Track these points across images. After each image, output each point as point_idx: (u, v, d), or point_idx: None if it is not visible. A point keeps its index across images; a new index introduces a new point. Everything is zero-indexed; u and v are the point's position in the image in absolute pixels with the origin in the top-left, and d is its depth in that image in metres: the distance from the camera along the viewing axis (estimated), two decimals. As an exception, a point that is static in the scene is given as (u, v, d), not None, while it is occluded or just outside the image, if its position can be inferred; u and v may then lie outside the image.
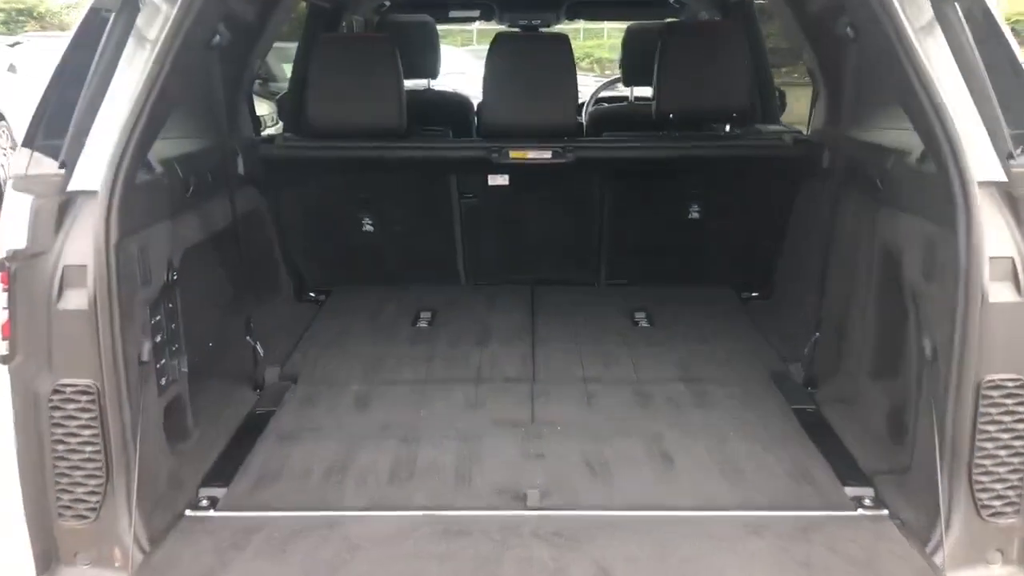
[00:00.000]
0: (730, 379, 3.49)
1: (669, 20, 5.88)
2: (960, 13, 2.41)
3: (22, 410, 2.31)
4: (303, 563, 2.36)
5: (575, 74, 4.03)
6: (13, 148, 11.08)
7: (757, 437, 3.02)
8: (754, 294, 4.43)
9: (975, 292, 2.28)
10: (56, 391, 2.31)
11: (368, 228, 4.37)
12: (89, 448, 2.35)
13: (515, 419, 3.16)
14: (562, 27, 6.02)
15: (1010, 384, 2.28)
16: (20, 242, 2.28)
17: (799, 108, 4.87)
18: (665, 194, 4.33)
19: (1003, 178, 2.29)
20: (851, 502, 2.64)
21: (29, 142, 2.32)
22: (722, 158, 4.13)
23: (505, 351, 3.76)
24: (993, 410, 2.29)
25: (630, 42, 5.58)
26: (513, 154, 4.00)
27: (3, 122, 11.94)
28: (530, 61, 4.04)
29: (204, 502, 2.67)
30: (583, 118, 5.48)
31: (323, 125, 4.03)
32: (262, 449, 2.98)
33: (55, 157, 2.32)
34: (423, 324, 4.12)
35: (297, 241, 4.37)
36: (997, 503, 2.32)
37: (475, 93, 6.14)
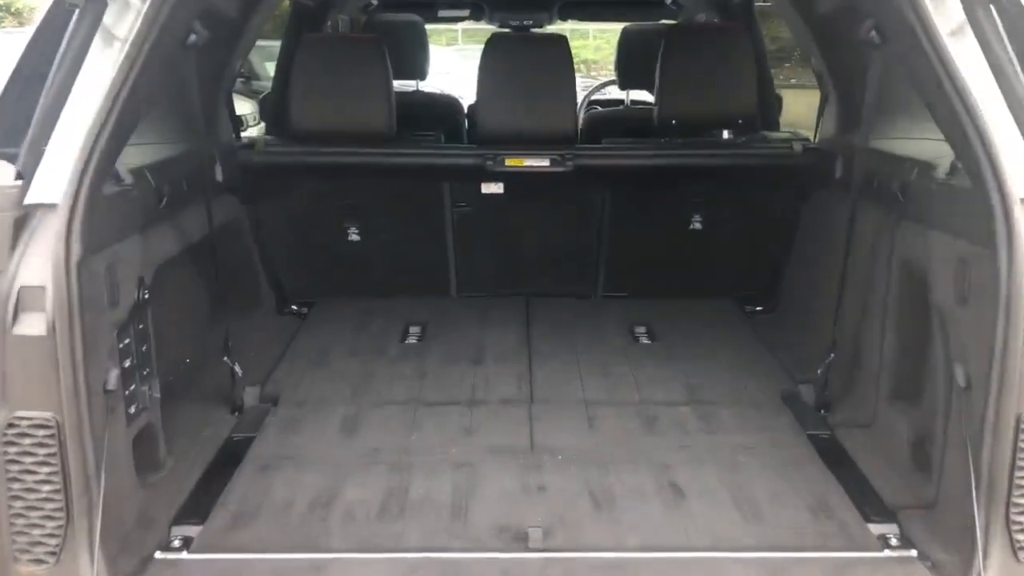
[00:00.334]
0: (738, 400, 3.30)
1: (670, 22, 5.73)
2: (996, 15, 2.24)
3: None
4: None
5: (574, 77, 3.83)
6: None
7: (771, 466, 2.83)
8: (758, 308, 4.25)
9: (1016, 319, 2.10)
10: (11, 424, 2.10)
11: (354, 237, 4.16)
12: (48, 487, 2.14)
13: (513, 446, 2.96)
14: (550, 28, 5.84)
15: None
16: (-30, 261, 2.07)
17: (789, 113, 4.71)
18: (666, 203, 4.15)
19: (1048, 195, 2.11)
20: (877, 541, 2.46)
21: (-19, 149, 2.11)
22: (728, 167, 3.94)
23: (500, 369, 3.55)
24: None
25: (626, 44, 5.39)
26: (509, 162, 3.80)
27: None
28: (527, 63, 3.84)
29: (176, 542, 2.45)
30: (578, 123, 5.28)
31: (307, 129, 3.81)
32: (240, 481, 2.76)
33: (11, 166, 2.10)
34: (412, 339, 3.91)
35: (278, 251, 4.15)
36: None
37: (462, 94, 5.97)
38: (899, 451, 2.81)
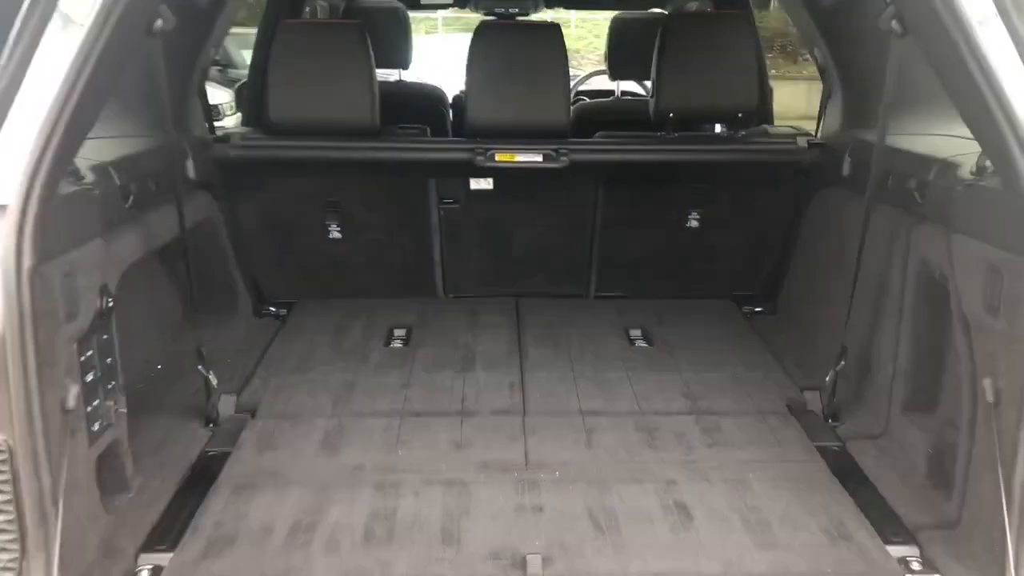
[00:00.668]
0: (743, 410, 3.14)
1: (659, 11, 5.55)
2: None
3: None
4: None
5: (567, 68, 3.64)
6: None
7: (781, 482, 2.67)
8: (757, 309, 4.09)
9: None
10: None
11: (335, 235, 3.95)
12: (0, 517, 1.93)
13: (506, 462, 2.77)
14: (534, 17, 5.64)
15: None
16: (-91, 271, 1.86)
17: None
18: (662, 200, 3.97)
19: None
20: (897, 566, 2.30)
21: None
22: (729, 162, 3.77)
23: (491, 377, 3.36)
24: None
25: (617, 33, 5.20)
26: (500, 157, 3.61)
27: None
28: (518, 52, 3.64)
29: (144, 573, 2.25)
30: None
31: (286, 122, 3.60)
32: (215, 502, 2.56)
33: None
34: (397, 343, 3.71)
35: (255, 250, 3.93)
36: None
37: (443, 84, 5.76)
38: (915, 465, 2.66)
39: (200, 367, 2.98)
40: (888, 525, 2.47)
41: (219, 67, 15.19)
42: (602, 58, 5.91)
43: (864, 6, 3.04)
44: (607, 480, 2.66)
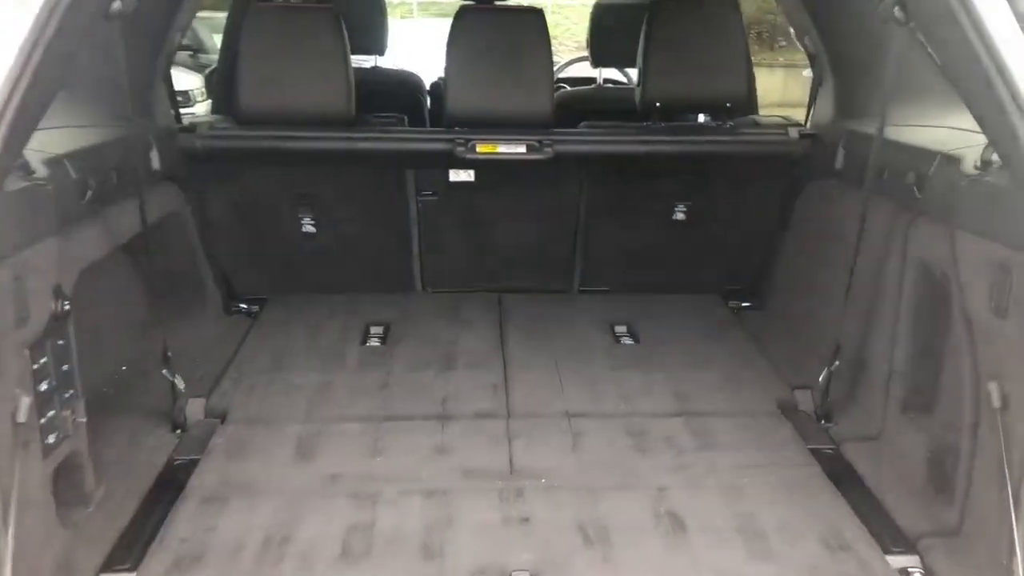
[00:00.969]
0: (733, 410, 3.04)
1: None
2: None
3: None
4: None
5: (551, 56, 3.50)
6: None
7: (775, 488, 2.57)
8: (744, 304, 3.99)
9: None
10: None
11: (309, 229, 3.79)
12: None
13: (490, 468, 2.65)
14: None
15: None
16: None
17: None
18: (648, 192, 3.85)
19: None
20: None
21: None
22: (718, 153, 3.65)
23: (473, 377, 3.24)
24: None
25: (599, 19, 5.05)
26: (482, 148, 3.46)
27: None
28: (500, 38, 3.50)
29: None
30: None
31: (256, 110, 3.43)
32: (181, 515, 2.42)
33: None
34: (374, 341, 3.56)
35: (226, 245, 3.77)
36: None
37: (420, 70, 5.59)
38: (913, 469, 2.57)
39: (165, 371, 2.83)
40: (887, 533, 2.38)
41: (190, 52, 14.89)
42: (581, 44, 5.76)
43: None
44: (595, 488, 2.55)
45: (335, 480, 2.59)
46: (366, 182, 3.76)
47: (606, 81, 6.03)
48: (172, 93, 3.59)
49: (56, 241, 2.20)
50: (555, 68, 6.43)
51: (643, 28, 3.58)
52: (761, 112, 4.71)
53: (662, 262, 4.02)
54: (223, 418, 2.96)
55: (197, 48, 13.36)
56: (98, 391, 2.75)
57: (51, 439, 2.15)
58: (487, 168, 3.66)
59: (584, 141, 3.63)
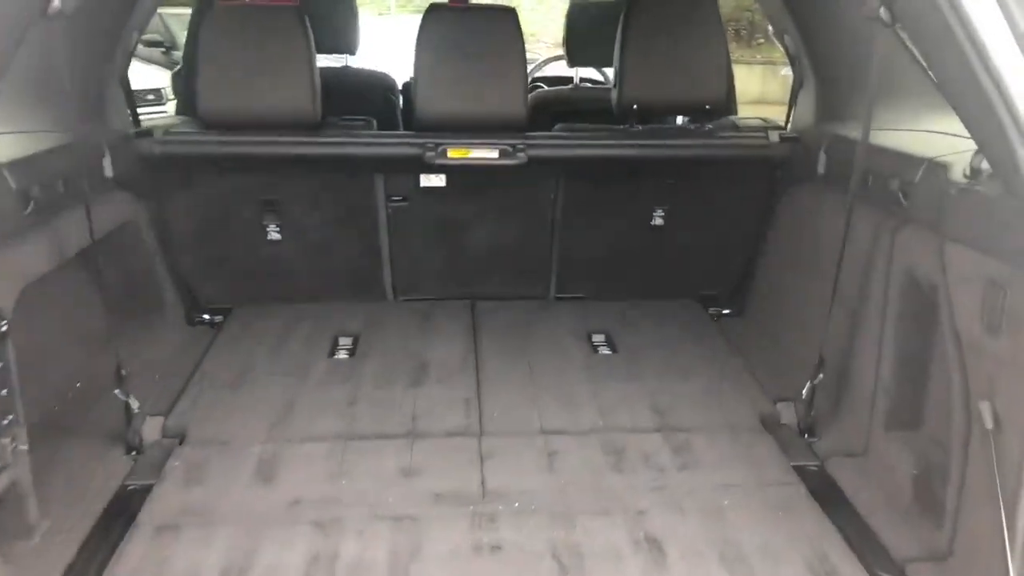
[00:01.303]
0: (713, 425, 2.93)
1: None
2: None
3: None
4: None
5: (524, 56, 3.38)
6: None
7: (758, 509, 2.47)
8: (724, 311, 3.89)
9: None
10: None
11: (274, 236, 3.65)
12: None
13: (461, 491, 2.53)
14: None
15: None
16: None
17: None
18: (626, 197, 3.73)
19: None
20: None
21: None
22: (697, 157, 3.54)
23: (444, 392, 3.11)
24: None
25: (575, 18, 4.93)
26: (452, 153, 3.34)
27: None
28: (471, 39, 3.36)
29: None
30: None
31: (217, 114, 3.28)
32: (133, 545, 2.28)
33: None
34: (342, 354, 3.43)
35: (187, 254, 3.61)
36: None
37: (396, 68, 5.44)
38: (900, 488, 2.48)
39: (118, 391, 2.68)
40: (874, 557, 2.28)
41: (163, 48, 14.65)
42: (560, 41, 5.65)
43: None
44: (571, 511, 2.44)
45: (297, 505, 2.46)
46: (333, 187, 3.62)
47: (583, 80, 5.93)
48: (130, 95, 3.42)
49: None
50: (532, 67, 6.35)
51: (619, 28, 3.47)
52: (739, 109, 4.62)
53: (640, 268, 3.91)
54: (181, 438, 2.82)
55: (170, 45, 13.14)
56: (47, 414, 2.60)
57: None
58: (459, 172, 3.53)
59: (559, 145, 3.51)
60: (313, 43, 3.29)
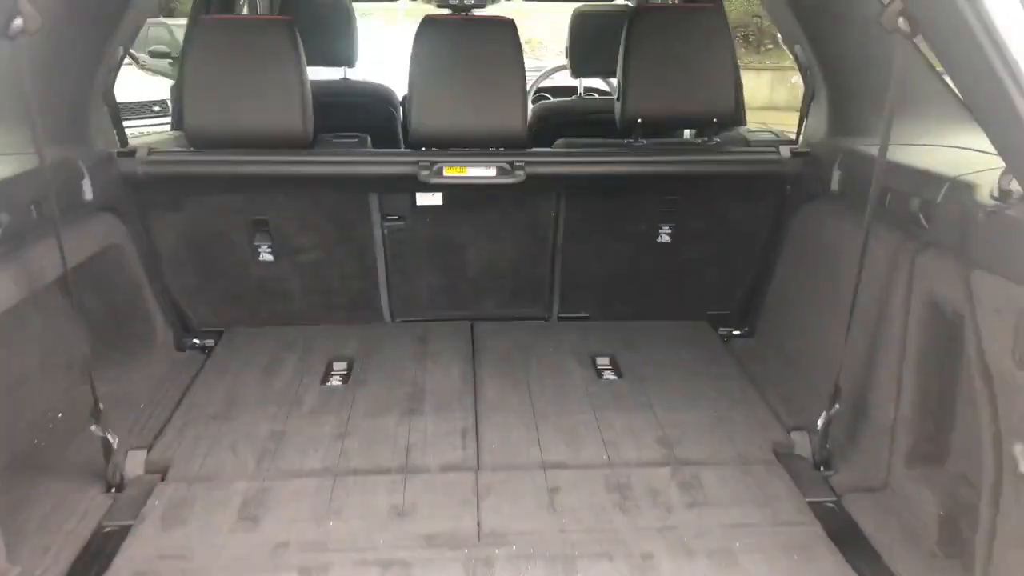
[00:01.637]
0: (724, 458, 2.78)
1: (623, 3, 5.18)
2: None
3: None
4: None
5: (523, 69, 3.24)
6: None
7: (772, 551, 2.32)
8: (735, 332, 3.74)
9: None
10: None
11: (267, 257, 3.52)
12: None
13: (455, 534, 2.38)
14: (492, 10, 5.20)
15: None
16: None
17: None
18: (631, 213, 3.59)
19: None
20: None
21: None
22: (705, 174, 3.39)
23: (441, 423, 2.97)
24: None
25: (579, 27, 4.80)
26: (448, 171, 3.20)
27: None
28: (467, 52, 3.23)
29: None
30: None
31: (203, 133, 3.16)
32: None
33: None
34: (336, 380, 3.29)
35: (177, 278, 3.49)
36: None
37: (399, 82, 5.32)
38: (924, 528, 2.32)
39: (94, 427, 2.54)
40: None
41: (170, 59, 14.61)
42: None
43: (866, 3, 2.67)
44: (573, 555, 2.29)
45: (282, 549, 2.32)
46: (327, 207, 3.49)
47: (588, 91, 5.80)
48: (116, 112, 3.30)
49: None
50: (538, 76, 6.22)
51: (622, 39, 3.33)
52: (748, 114, 4.47)
53: (646, 287, 3.76)
54: (164, 474, 2.68)
55: (177, 56, 13.08)
56: (23, 449, 2.48)
57: None
58: (457, 190, 3.39)
59: (559, 162, 3.37)
60: (304, 59, 3.16)
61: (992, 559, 1.98)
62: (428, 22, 3.26)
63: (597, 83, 6.00)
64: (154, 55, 14.64)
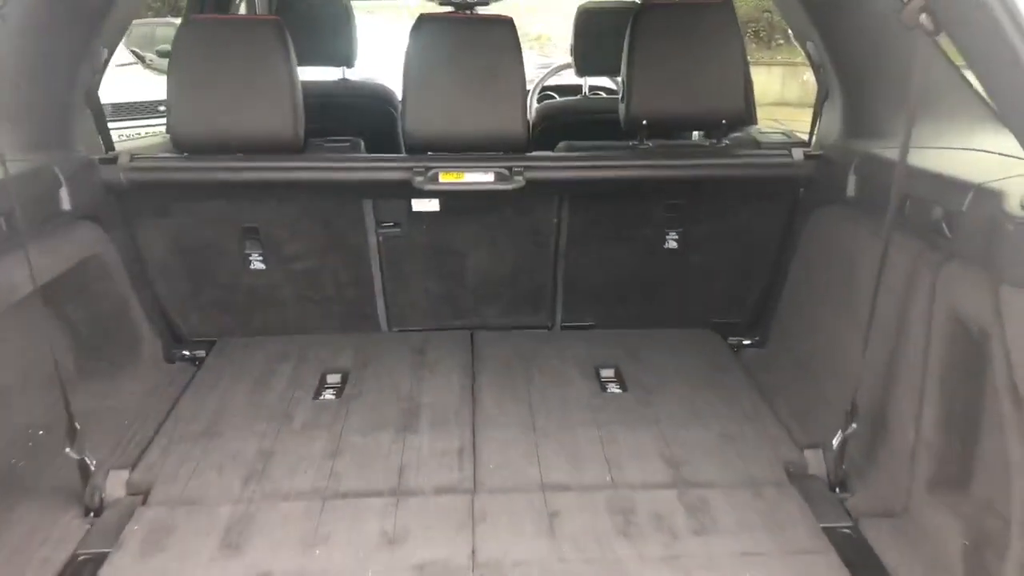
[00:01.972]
0: (733, 479, 2.64)
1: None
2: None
3: None
4: None
5: (523, 70, 3.10)
6: None
7: None
8: (745, 342, 3.59)
9: None
10: None
11: (258, 266, 3.40)
12: None
13: (449, 562, 2.25)
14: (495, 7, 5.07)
15: None
16: None
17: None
18: (637, 218, 3.45)
19: None
20: None
21: None
22: (714, 177, 3.25)
23: (437, 440, 2.84)
24: None
25: (583, 25, 4.66)
26: (444, 177, 3.07)
27: None
28: (465, 52, 3.09)
29: None
30: (529, 115, 4.54)
31: (189, 137, 3.03)
32: None
33: None
34: (329, 395, 3.16)
35: (165, 288, 3.37)
36: None
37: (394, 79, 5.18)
38: (947, 559, 2.17)
39: (69, 449, 2.42)
40: None
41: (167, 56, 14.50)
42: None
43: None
44: None
45: None
46: (319, 214, 3.36)
47: (595, 89, 5.65)
48: (101, 116, 3.18)
49: None
50: (545, 73, 6.08)
51: (627, 36, 3.18)
52: (759, 110, 4.32)
53: (653, 294, 3.62)
54: (146, 496, 2.56)
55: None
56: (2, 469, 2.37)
57: None
58: (454, 195, 3.26)
59: (561, 167, 3.23)
60: (294, 60, 3.04)
61: None
62: (423, 20, 3.13)
63: (606, 81, 5.86)
64: (161, 54, 14.56)
